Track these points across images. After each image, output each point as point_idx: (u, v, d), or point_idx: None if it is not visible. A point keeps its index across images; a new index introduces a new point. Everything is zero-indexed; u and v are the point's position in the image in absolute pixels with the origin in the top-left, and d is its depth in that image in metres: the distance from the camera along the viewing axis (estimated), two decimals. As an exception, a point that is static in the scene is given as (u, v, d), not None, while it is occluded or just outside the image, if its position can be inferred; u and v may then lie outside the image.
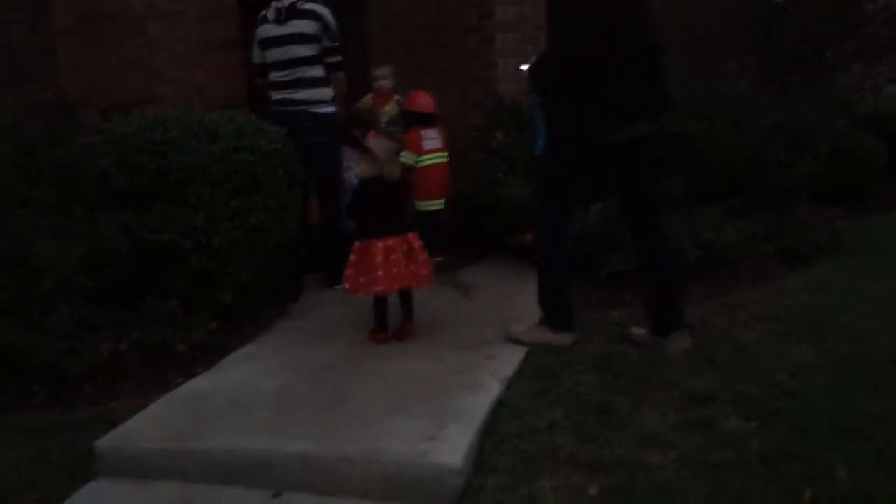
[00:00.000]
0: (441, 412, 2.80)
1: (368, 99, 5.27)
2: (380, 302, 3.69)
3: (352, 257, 3.61)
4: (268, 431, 2.73)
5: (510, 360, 3.38)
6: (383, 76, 5.50)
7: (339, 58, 4.51)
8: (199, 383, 3.25)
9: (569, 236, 3.53)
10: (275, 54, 4.35)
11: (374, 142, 3.69)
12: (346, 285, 3.63)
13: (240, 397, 3.06)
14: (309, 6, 4.36)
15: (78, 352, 3.23)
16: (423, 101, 5.18)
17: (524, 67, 3.58)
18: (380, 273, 3.52)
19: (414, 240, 3.65)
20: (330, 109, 4.44)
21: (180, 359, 3.42)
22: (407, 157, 4.76)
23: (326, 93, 4.42)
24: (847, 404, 2.84)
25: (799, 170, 5.29)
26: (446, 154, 5.22)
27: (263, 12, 4.38)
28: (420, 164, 5.08)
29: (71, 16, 4.34)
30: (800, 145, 5.57)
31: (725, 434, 2.67)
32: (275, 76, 4.41)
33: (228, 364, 3.44)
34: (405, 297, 3.75)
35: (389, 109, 5.40)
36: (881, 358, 3.26)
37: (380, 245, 3.54)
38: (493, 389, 3.07)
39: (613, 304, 4.17)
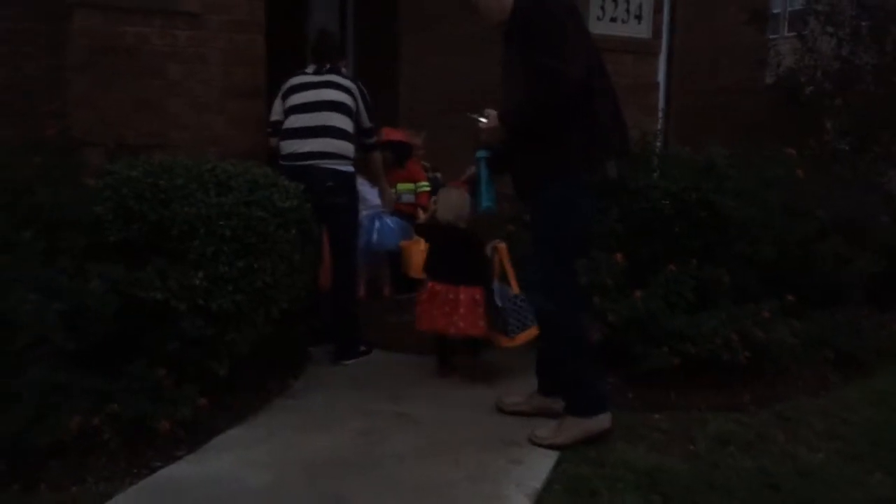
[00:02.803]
0: (459, 535, 2.34)
1: None
2: (439, 340, 4.03)
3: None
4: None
5: (539, 466, 2.93)
6: (421, 146, 5.28)
7: (375, 139, 4.34)
8: (178, 470, 2.82)
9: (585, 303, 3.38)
10: (303, 97, 3.99)
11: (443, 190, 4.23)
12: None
13: (222, 494, 2.62)
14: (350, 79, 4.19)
15: (46, 422, 2.80)
16: (400, 132, 5.28)
17: (482, 119, 3.29)
18: (418, 309, 3.93)
19: (463, 292, 3.85)
20: (352, 169, 4.09)
21: (162, 438, 2.97)
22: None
23: (351, 150, 4.07)
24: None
25: (858, 266, 4.86)
26: None
27: (301, 70, 4.12)
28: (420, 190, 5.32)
29: (86, 50, 4.04)
30: (856, 240, 5.17)
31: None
32: (295, 121, 3.98)
33: (214, 448, 3.00)
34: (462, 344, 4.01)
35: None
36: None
37: (429, 286, 3.91)
38: (519, 506, 2.61)
39: (654, 406, 3.71)
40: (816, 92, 7.57)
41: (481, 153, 3.38)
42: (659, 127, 5.63)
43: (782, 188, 4.84)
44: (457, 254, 3.94)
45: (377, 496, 2.64)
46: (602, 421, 3.19)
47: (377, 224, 4.82)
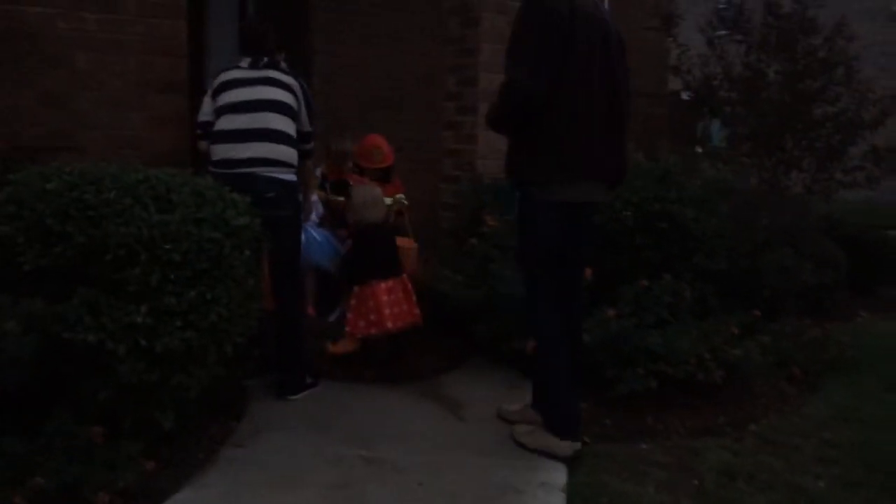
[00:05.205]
0: None
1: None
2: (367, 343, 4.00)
3: (352, 302, 3.93)
4: None
5: (549, 517, 2.60)
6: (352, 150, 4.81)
7: (312, 145, 3.83)
8: (128, 554, 2.28)
9: (569, 327, 3.16)
10: (238, 95, 3.46)
11: (359, 190, 4.16)
12: (347, 328, 3.93)
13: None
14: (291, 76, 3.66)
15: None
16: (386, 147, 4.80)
17: None
18: (386, 312, 3.84)
19: (407, 282, 4.03)
20: (295, 178, 3.61)
21: (97, 511, 2.42)
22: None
23: (295, 156, 3.59)
24: None
25: (802, 278, 4.85)
26: None
27: (233, 63, 3.59)
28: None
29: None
30: (794, 250, 5.18)
31: None
32: (229, 122, 3.45)
33: (167, 521, 2.47)
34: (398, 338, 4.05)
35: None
36: None
37: (382, 286, 3.88)
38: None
39: (635, 433, 3.47)
40: (725, 98, 7.68)
41: None
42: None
43: (731, 197, 4.77)
44: (389, 247, 4.09)
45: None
46: (564, 447, 3.07)
47: (303, 238, 4.33)
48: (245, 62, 3.60)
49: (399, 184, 4.78)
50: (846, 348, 4.74)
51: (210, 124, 3.52)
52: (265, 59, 3.59)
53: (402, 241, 4.38)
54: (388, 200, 4.48)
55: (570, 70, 2.88)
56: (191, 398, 2.76)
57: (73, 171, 2.74)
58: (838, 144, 7.43)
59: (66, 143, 3.50)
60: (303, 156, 3.77)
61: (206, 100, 3.57)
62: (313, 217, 4.40)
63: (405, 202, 4.73)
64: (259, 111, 3.47)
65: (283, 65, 3.67)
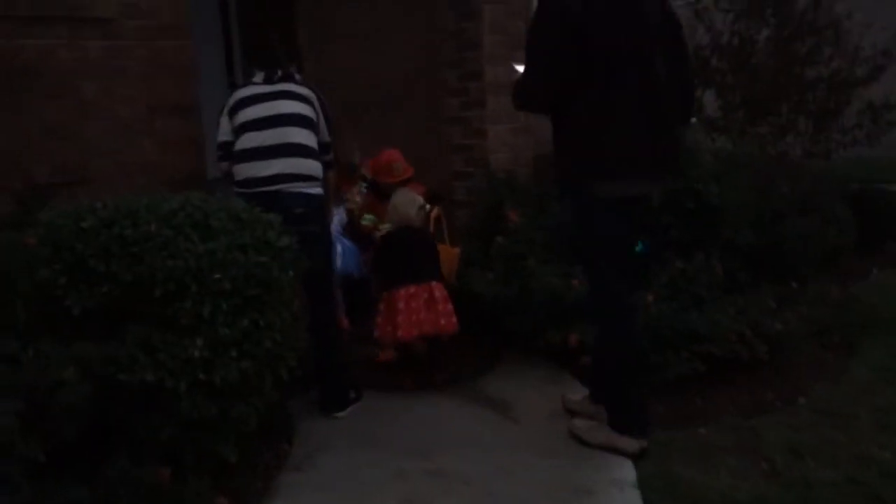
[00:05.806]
0: None
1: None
2: (405, 349, 3.95)
3: (380, 307, 3.89)
4: None
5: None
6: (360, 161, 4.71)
7: (332, 155, 3.72)
8: None
9: (635, 318, 3.11)
10: (256, 111, 3.37)
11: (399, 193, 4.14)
12: (376, 335, 3.91)
13: None
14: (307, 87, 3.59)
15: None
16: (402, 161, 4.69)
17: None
18: (399, 319, 3.74)
19: (436, 288, 3.86)
20: (321, 191, 3.53)
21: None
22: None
23: (320, 169, 3.51)
24: None
25: (825, 243, 4.83)
26: None
27: (247, 80, 3.51)
28: None
29: (-24, 71, 3.23)
30: (810, 215, 5.15)
31: None
32: (250, 140, 3.35)
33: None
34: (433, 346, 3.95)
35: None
36: None
37: (401, 293, 3.78)
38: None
39: (689, 417, 3.43)
40: (716, 68, 7.63)
41: None
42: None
43: (749, 168, 4.74)
44: (419, 252, 3.97)
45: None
46: (631, 444, 3.01)
47: (339, 248, 4.25)
48: (259, 77, 3.51)
49: (422, 188, 4.71)
50: (874, 308, 4.75)
51: (230, 144, 3.43)
52: (279, 73, 3.50)
53: (443, 248, 4.32)
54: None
55: (594, 64, 2.75)
56: (251, 428, 2.68)
57: (106, 206, 2.65)
58: (833, 105, 7.41)
59: (80, 175, 3.38)
60: (324, 167, 3.69)
61: (223, 119, 3.48)
62: (336, 227, 4.31)
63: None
64: (280, 126, 3.38)
65: (298, 77, 3.58)
